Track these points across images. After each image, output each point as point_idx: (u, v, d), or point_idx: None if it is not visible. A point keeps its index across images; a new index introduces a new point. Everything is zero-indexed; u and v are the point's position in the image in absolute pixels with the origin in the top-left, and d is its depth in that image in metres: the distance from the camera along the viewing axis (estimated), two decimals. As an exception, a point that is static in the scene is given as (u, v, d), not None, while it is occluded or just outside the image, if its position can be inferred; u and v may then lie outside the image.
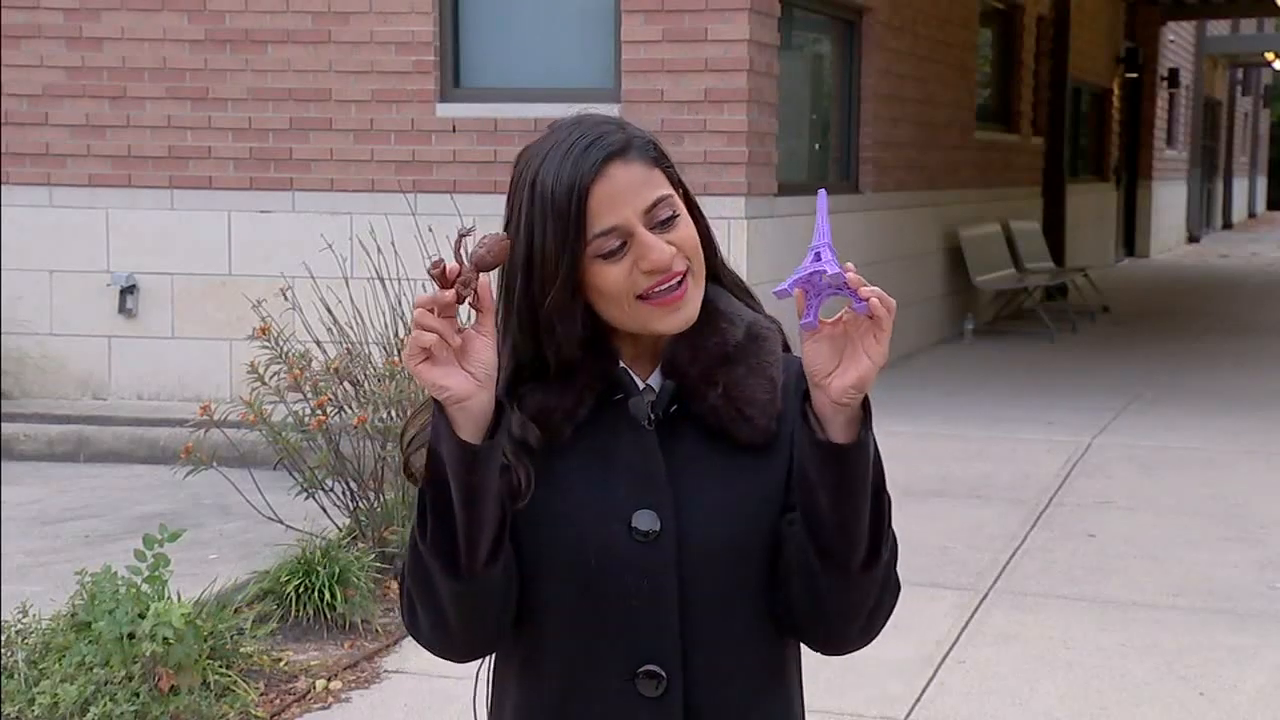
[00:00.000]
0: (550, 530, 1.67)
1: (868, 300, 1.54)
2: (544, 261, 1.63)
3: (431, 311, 1.52)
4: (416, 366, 1.53)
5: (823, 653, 1.77)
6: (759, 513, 1.69)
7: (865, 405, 1.61)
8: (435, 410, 1.57)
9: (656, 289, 1.64)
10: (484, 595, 1.64)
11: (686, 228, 1.67)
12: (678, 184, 1.72)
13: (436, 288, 1.52)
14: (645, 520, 1.67)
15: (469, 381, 1.55)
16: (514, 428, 1.65)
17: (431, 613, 1.66)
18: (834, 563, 1.64)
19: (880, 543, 1.66)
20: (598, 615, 1.68)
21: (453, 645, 1.70)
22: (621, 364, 1.71)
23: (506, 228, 1.66)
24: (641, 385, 1.72)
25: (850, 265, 1.55)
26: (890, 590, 1.72)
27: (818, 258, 1.55)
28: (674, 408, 1.70)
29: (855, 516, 1.62)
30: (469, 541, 1.59)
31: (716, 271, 1.77)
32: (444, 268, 1.51)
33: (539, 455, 1.67)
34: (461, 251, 1.53)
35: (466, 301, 1.53)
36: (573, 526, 1.67)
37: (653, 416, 1.69)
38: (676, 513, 1.67)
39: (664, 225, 1.65)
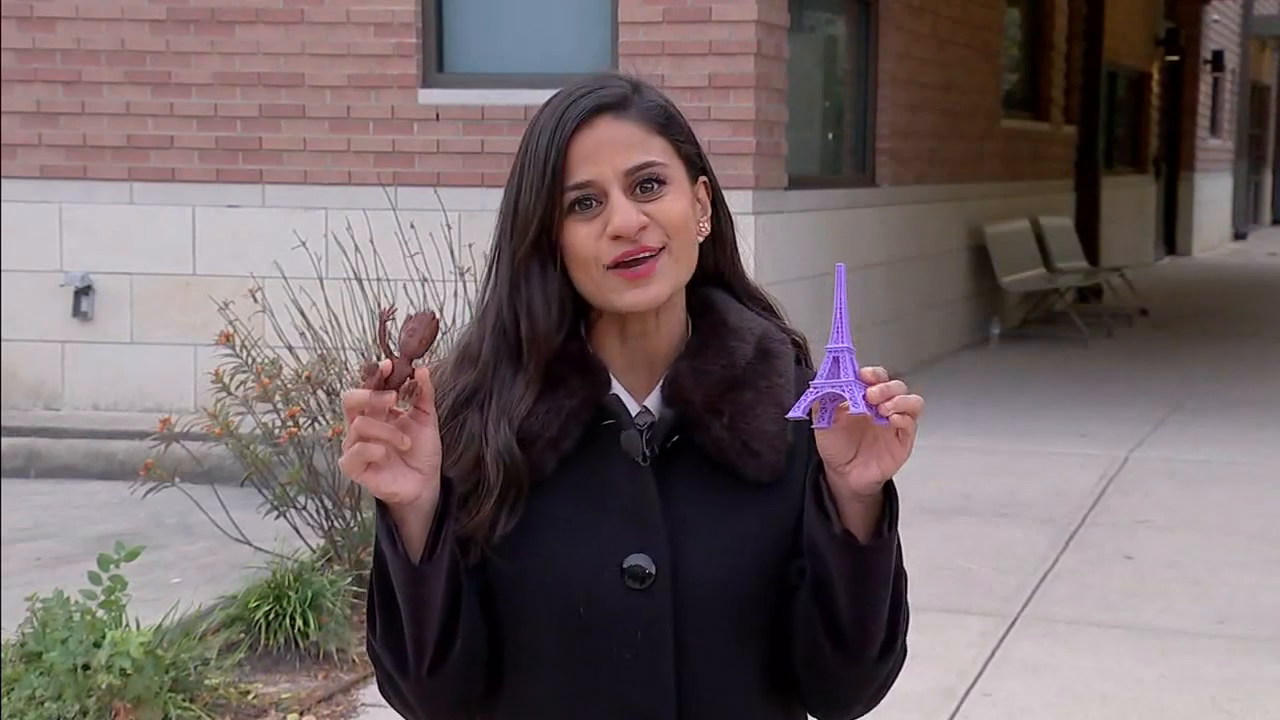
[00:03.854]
0: (535, 574, 1.66)
1: (888, 418, 1.51)
2: (520, 209, 1.65)
3: (366, 414, 1.50)
4: (360, 476, 1.52)
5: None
6: (763, 556, 1.68)
7: (889, 489, 1.59)
8: (379, 511, 1.57)
9: (623, 259, 1.63)
10: (440, 687, 1.65)
11: (674, 203, 1.65)
12: (695, 165, 1.71)
13: (365, 378, 1.51)
14: (638, 565, 1.65)
15: (417, 480, 1.55)
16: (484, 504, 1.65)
17: (395, 696, 1.69)
18: (846, 650, 1.64)
19: (897, 630, 1.65)
20: (587, 668, 1.66)
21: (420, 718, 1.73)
22: (613, 390, 1.69)
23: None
24: (636, 408, 1.70)
25: (869, 372, 1.52)
26: (900, 659, 1.71)
27: (836, 365, 1.53)
28: (674, 438, 1.68)
29: (874, 609, 1.62)
30: (417, 645, 1.60)
31: (729, 279, 1.77)
32: (379, 371, 1.49)
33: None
34: (388, 338, 1.51)
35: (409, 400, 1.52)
36: (559, 570, 1.65)
37: (647, 454, 1.67)
38: (673, 557, 1.65)
39: (645, 193, 1.64)
